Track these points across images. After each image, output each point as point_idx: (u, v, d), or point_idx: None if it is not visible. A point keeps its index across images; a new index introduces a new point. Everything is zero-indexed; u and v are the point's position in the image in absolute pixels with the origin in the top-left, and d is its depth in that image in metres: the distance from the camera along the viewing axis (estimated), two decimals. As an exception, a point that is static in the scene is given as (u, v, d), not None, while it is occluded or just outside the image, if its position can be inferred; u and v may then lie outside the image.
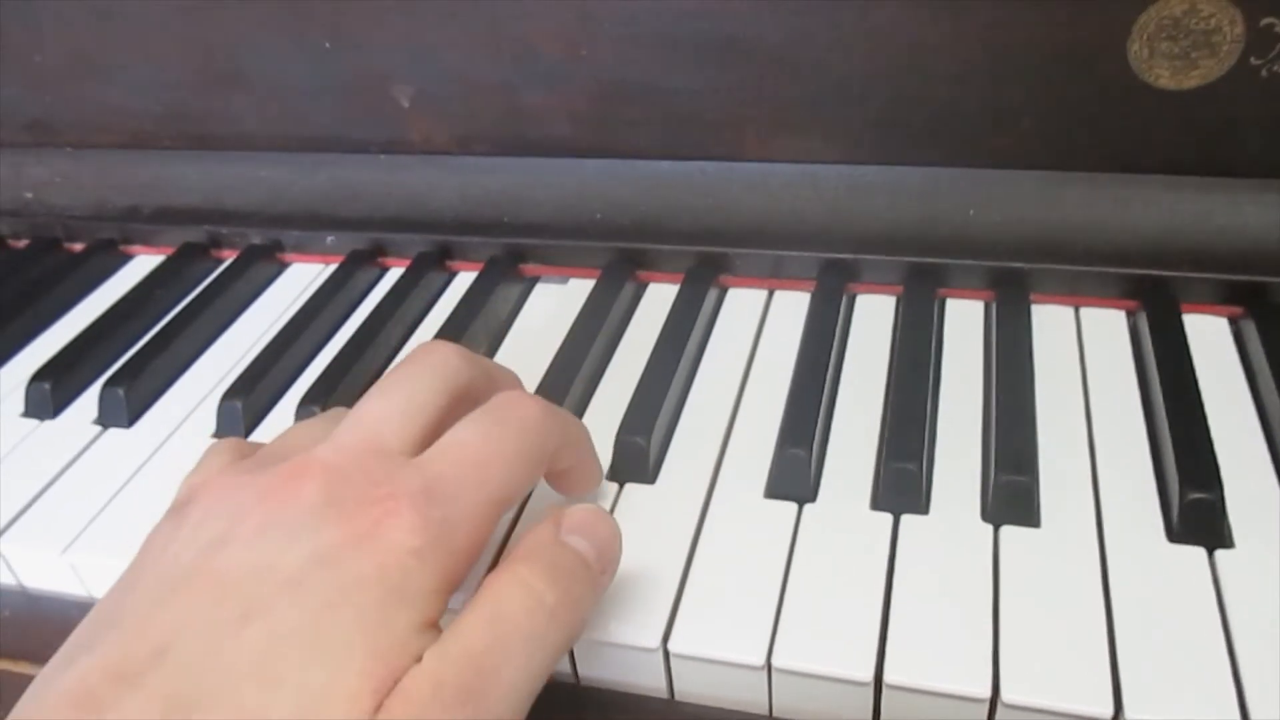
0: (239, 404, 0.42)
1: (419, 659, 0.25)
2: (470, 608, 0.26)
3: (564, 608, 0.27)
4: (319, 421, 0.33)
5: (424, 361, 0.32)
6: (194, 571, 0.26)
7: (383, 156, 0.53)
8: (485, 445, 0.29)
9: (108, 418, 0.44)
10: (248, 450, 0.32)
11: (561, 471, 0.34)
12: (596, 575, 0.29)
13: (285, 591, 0.25)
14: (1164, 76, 0.42)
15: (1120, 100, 0.42)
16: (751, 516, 0.36)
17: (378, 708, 0.24)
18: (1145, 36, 0.41)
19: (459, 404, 0.31)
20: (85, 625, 0.27)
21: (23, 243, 0.58)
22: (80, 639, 0.26)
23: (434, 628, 0.26)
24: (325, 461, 0.28)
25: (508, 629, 0.26)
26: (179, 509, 0.29)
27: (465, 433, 0.29)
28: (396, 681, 0.24)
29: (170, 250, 0.55)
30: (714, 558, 0.34)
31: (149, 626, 0.25)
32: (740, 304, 0.47)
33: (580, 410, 0.42)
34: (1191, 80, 0.41)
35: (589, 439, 0.35)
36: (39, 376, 0.46)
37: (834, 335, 0.43)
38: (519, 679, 0.26)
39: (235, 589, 0.25)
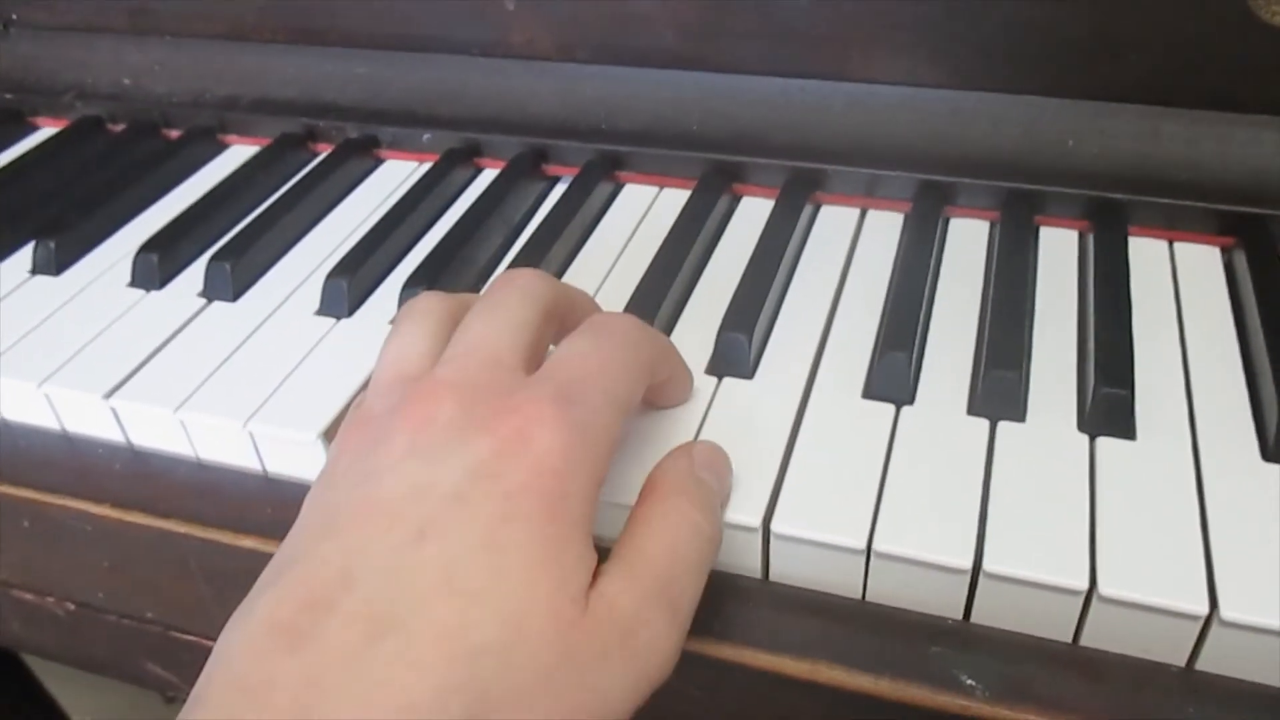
0: (344, 282, 0.43)
1: (595, 568, 0.27)
2: (645, 533, 0.29)
3: (716, 535, 0.31)
4: (417, 336, 0.33)
5: (514, 285, 0.33)
6: (355, 503, 0.27)
7: (483, 59, 0.53)
8: (599, 352, 0.30)
9: (213, 291, 0.45)
10: None
11: (659, 384, 0.35)
12: (723, 505, 0.33)
13: (451, 507, 0.26)
14: (1280, 14, 0.42)
15: (1233, 37, 0.43)
16: (849, 415, 0.37)
17: (584, 612, 0.26)
18: (1267, -29, 0.41)
19: (549, 321, 0.33)
20: (266, 571, 0.28)
21: (120, 127, 0.59)
22: (263, 580, 0.27)
23: (590, 531, 0.27)
24: (452, 380, 0.29)
25: (684, 556, 0.29)
26: (329, 468, 0.30)
27: (578, 343, 0.31)
28: (582, 589, 0.26)
29: (267, 141, 0.56)
30: (813, 450, 0.35)
31: (327, 557, 0.26)
32: (834, 221, 0.47)
33: (675, 314, 0.43)
34: (1309, 19, 0.41)
35: (677, 351, 0.36)
36: (147, 248, 0.47)
37: (930, 252, 0.43)
38: (694, 595, 0.29)
39: (401, 511, 0.26)
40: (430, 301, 0.34)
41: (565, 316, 0.34)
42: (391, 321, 0.43)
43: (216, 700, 0.24)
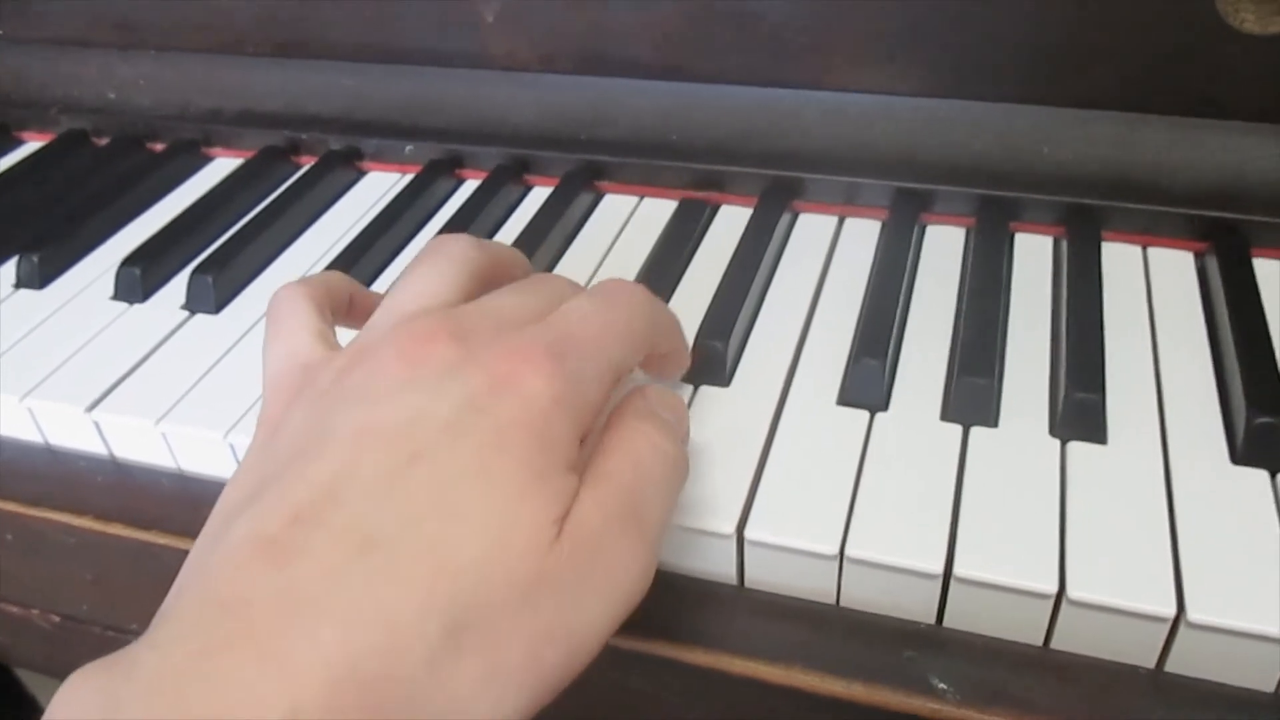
0: (325, 295, 0.44)
1: (575, 496, 0.27)
2: (608, 456, 0.29)
3: (680, 459, 0.31)
4: (435, 278, 0.33)
5: (444, 250, 0.33)
6: (345, 426, 0.27)
7: (464, 70, 0.54)
8: (601, 316, 0.31)
9: (196, 304, 0.46)
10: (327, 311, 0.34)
11: (658, 355, 0.35)
12: (684, 440, 0.32)
13: (445, 434, 0.26)
14: (1249, 21, 0.42)
15: (1205, 43, 0.43)
16: (824, 421, 0.37)
17: (558, 536, 0.26)
18: (1235, -21, 0.41)
19: (478, 287, 0.33)
20: (236, 487, 0.28)
21: (105, 140, 0.59)
22: (237, 495, 0.27)
23: (575, 471, 0.28)
24: (447, 325, 0.29)
25: (646, 471, 0.29)
26: (295, 384, 0.30)
27: (585, 303, 0.31)
28: (561, 515, 0.26)
29: (250, 153, 0.56)
30: (787, 456, 0.36)
31: (313, 475, 0.25)
32: (812, 228, 0.48)
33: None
34: (1276, 26, 0.42)
35: (681, 328, 0.36)
36: (129, 261, 0.47)
37: (906, 259, 0.44)
38: (660, 514, 0.29)
39: (395, 436, 0.26)
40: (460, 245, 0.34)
41: (494, 277, 0.34)
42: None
43: (190, 616, 0.23)
